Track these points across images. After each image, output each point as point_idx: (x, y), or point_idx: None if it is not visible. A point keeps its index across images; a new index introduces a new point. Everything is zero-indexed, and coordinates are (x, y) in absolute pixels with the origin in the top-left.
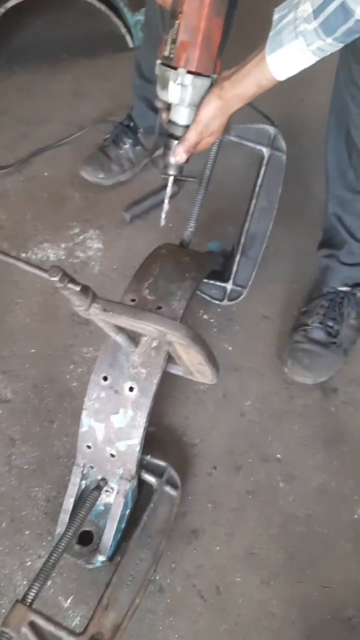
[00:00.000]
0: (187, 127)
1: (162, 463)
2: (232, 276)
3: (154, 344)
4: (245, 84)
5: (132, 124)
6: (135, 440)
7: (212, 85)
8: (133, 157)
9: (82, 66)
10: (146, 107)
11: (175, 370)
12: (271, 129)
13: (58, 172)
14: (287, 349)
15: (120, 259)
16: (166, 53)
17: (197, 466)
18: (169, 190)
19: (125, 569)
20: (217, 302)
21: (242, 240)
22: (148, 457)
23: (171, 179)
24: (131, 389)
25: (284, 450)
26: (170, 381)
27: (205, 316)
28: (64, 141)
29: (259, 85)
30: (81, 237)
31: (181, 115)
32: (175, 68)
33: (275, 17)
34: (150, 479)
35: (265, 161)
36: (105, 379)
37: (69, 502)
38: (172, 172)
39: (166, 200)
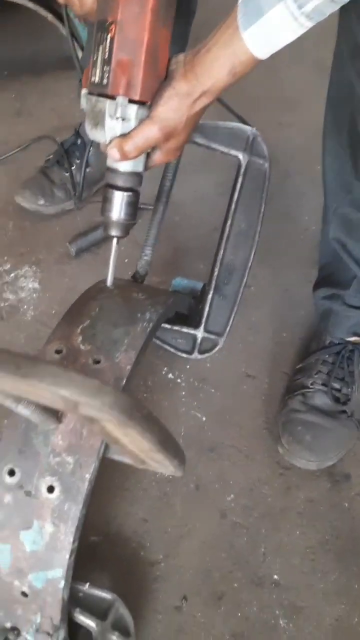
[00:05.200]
0: (130, 174)
1: (107, 595)
2: (204, 321)
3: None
4: (215, 74)
5: (79, 142)
6: (57, 571)
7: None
8: (81, 180)
9: (26, 84)
10: None
11: (120, 456)
12: (248, 129)
13: None
14: (280, 420)
15: (61, 301)
16: (96, 79)
17: (159, 596)
18: (113, 253)
19: None
20: (184, 355)
21: (216, 273)
22: (86, 587)
23: (115, 241)
24: (51, 489)
25: (283, 569)
26: (119, 466)
27: (170, 375)
28: None
29: (232, 72)
30: (12, 274)
31: None
32: (111, 97)
33: None
34: (87, 622)
35: (242, 170)
36: (11, 473)
37: None
38: (114, 232)
39: (111, 265)
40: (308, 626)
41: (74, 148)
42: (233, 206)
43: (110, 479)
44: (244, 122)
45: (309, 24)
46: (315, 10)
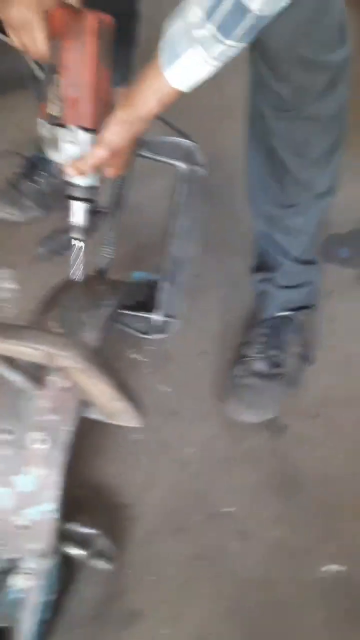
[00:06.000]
0: (86, 187)
1: (91, 531)
2: (159, 305)
3: (64, 383)
4: (146, 104)
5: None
6: (49, 505)
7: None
8: (50, 190)
9: None
10: None
11: (94, 414)
12: (187, 142)
13: None
14: (227, 385)
15: (38, 298)
16: (52, 112)
17: (134, 532)
18: (74, 252)
19: None
20: (144, 336)
21: (166, 264)
22: (74, 525)
23: (77, 242)
24: (40, 441)
25: (233, 504)
26: (96, 431)
27: (135, 355)
28: None
29: (160, 102)
30: None
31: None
32: (65, 126)
33: (165, 27)
34: (77, 551)
35: (183, 177)
36: (7, 432)
37: None
38: (76, 235)
39: (74, 262)
40: (254, 546)
41: (41, 161)
42: (176, 208)
43: (87, 440)
44: (184, 134)
45: (217, 64)
46: (221, 54)
